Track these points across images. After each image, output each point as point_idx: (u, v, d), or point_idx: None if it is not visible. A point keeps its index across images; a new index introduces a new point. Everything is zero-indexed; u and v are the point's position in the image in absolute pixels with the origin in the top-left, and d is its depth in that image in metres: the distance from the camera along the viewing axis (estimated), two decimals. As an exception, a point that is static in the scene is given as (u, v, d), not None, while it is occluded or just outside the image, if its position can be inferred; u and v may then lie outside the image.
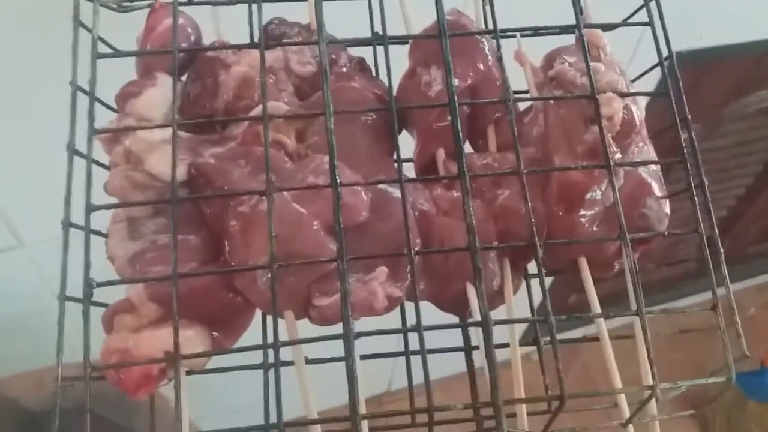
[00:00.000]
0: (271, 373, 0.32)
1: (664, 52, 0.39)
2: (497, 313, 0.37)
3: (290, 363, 0.34)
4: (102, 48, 0.36)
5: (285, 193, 0.34)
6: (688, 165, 0.37)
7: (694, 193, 0.36)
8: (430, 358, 0.31)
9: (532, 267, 0.38)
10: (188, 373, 0.33)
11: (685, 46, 1.06)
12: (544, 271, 0.34)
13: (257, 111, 0.35)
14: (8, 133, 0.69)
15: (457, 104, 0.34)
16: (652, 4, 0.40)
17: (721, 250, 0.36)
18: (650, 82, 0.43)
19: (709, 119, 1.32)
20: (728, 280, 0.36)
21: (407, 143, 0.41)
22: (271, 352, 0.31)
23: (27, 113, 0.67)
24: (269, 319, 0.35)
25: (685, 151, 0.37)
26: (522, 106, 0.41)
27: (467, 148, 0.41)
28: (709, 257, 0.36)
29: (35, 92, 0.64)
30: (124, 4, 0.38)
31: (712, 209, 0.37)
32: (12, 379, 0.81)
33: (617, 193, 0.35)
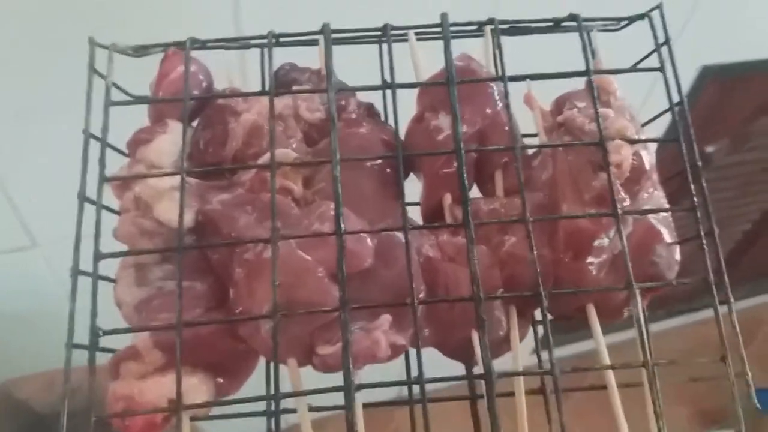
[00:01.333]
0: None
1: (675, 98, 0.38)
2: (504, 359, 0.37)
3: (293, 411, 0.34)
4: (115, 93, 0.37)
5: (291, 240, 0.34)
6: (698, 213, 0.36)
7: (704, 242, 0.36)
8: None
9: (538, 312, 0.38)
10: (192, 419, 0.34)
11: (715, 60, 1.06)
12: (549, 319, 0.34)
13: (265, 158, 0.36)
14: (22, 132, 0.70)
15: (463, 152, 0.35)
16: (663, 49, 0.39)
17: (732, 300, 0.36)
18: (663, 125, 0.42)
19: (736, 133, 1.32)
20: (738, 329, 0.35)
21: (415, 186, 0.41)
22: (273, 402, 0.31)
23: (41, 111, 0.68)
24: (273, 366, 0.35)
25: (695, 199, 0.36)
26: (531, 150, 0.41)
27: (475, 192, 0.41)
28: (717, 306, 0.35)
29: (50, 90, 0.65)
30: (139, 50, 0.39)
31: (722, 256, 0.36)
32: (22, 380, 0.81)
33: (625, 242, 0.34)
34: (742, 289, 1.81)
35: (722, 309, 0.35)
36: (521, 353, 0.37)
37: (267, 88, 0.37)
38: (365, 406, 0.35)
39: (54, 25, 0.62)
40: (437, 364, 0.38)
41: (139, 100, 0.37)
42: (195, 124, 0.39)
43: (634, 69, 0.40)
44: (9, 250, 0.83)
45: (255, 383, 0.37)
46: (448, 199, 0.39)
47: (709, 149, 1.31)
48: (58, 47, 0.59)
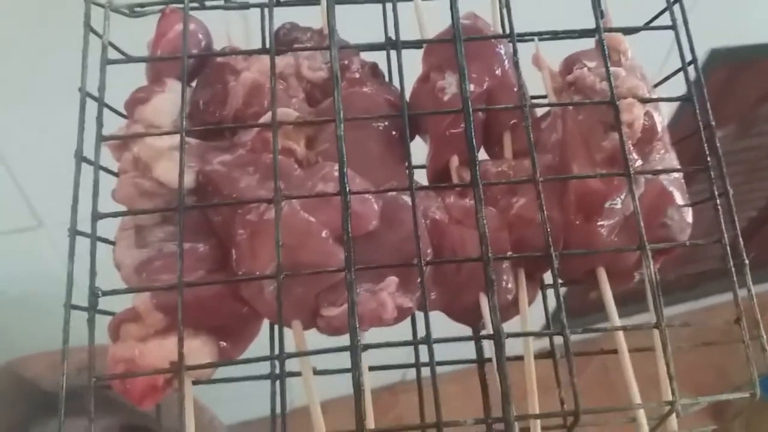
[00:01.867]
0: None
1: (688, 57, 0.37)
2: (512, 324, 0.36)
3: (298, 374, 0.33)
4: (112, 53, 0.36)
5: (294, 201, 0.33)
6: (712, 173, 0.35)
7: (718, 202, 0.35)
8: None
9: (548, 277, 0.37)
10: (194, 383, 0.33)
11: (723, 43, 1.04)
12: (560, 282, 0.33)
13: (266, 118, 0.35)
14: (28, 114, 0.69)
15: (471, 110, 0.34)
16: (676, 8, 0.38)
17: (746, 261, 0.35)
18: (679, 88, 0.41)
19: (744, 118, 1.30)
20: (753, 292, 0.35)
21: (421, 150, 0.40)
22: (278, 362, 0.31)
23: (46, 94, 0.67)
24: (277, 329, 0.34)
25: (708, 158, 0.35)
26: (539, 111, 0.40)
27: (482, 155, 0.40)
28: (732, 268, 0.34)
29: (55, 73, 0.64)
30: (136, 9, 0.38)
31: (736, 218, 0.35)
32: (29, 359, 0.81)
33: (637, 202, 0.33)
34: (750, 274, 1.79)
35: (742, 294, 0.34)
36: (530, 317, 0.36)
37: (268, 46, 0.35)
38: (371, 368, 0.34)
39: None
40: (444, 333, 0.37)
41: (136, 58, 0.36)
42: (194, 84, 0.38)
43: (645, 27, 0.39)
44: (14, 231, 0.82)
45: (259, 349, 0.36)
46: (455, 161, 0.38)
47: (718, 134, 1.30)
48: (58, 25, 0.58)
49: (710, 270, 1.59)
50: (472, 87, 0.38)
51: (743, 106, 1.27)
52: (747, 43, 1.07)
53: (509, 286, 0.36)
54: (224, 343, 0.34)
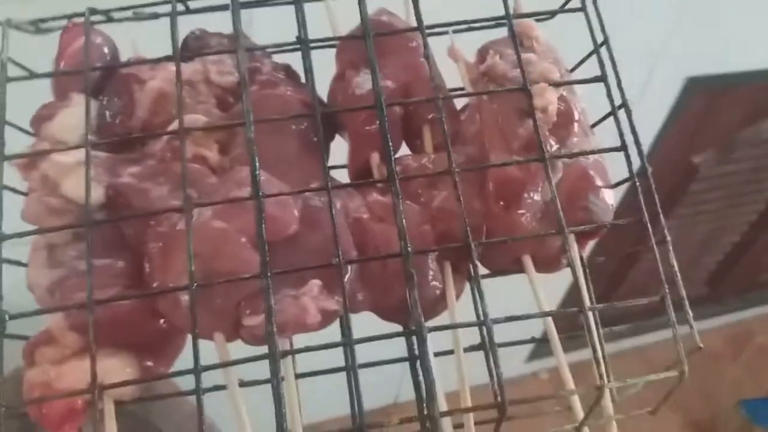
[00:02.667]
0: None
1: (600, 38, 0.37)
2: (442, 319, 0.36)
3: (223, 387, 0.32)
4: (15, 71, 0.35)
5: (206, 208, 0.32)
6: (628, 153, 0.35)
7: (637, 182, 0.35)
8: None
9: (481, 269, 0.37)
10: (117, 403, 0.32)
11: (702, 71, 1.08)
12: (480, 272, 0.33)
13: (174, 125, 0.34)
14: None
15: (384, 105, 0.33)
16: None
17: (669, 239, 0.35)
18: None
19: (723, 144, 1.33)
20: (676, 268, 0.35)
21: (345, 149, 0.40)
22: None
23: None
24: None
25: (624, 138, 0.35)
26: (459, 104, 0.40)
27: (405, 149, 0.39)
28: (655, 246, 0.34)
29: None
30: (39, 25, 0.37)
31: (656, 195, 0.35)
32: None
33: (554, 187, 0.33)
34: (732, 301, 1.80)
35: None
36: (458, 310, 0.36)
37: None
38: (299, 376, 0.33)
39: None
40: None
41: (37, 74, 0.35)
42: (101, 97, 0.37)
43: (557, 11, 0.39)
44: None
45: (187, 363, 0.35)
46: (375, 158, 0.38)
47: (696, 160, 1.33)
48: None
49: (652, 307, 1.61)
50: (388, 83, 0.37)
51: (722, 133, 1.31)
52: (723, 72, 1.11)
53: (436, 280, 0.36)
54: (149, 362, 0.33)
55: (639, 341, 1.64)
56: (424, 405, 0.37)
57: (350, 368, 0.37)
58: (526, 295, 0.36)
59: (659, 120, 1.11)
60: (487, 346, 0.36)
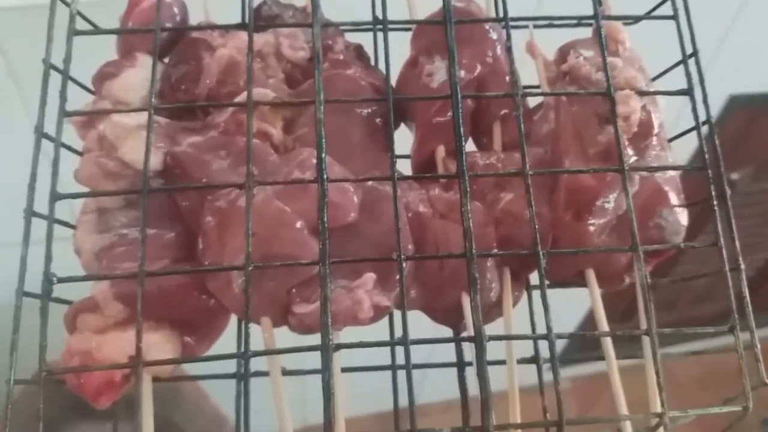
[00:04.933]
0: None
1: (689, 49, 0.35)
2: (495, 327, 0.34)
3: (266, 373, 0.31)
4: (81, 25, 0.34)
5: (267, 188, 0.31)
6: (708, 172, 0.33)
7: (715, 203, 0.33)
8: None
9: (535, 278, 0.36)
10: (154, 380, 0.31)
11: (743, 90, 1.10)
12: (547, 283, 0.31)
13: (242, 97, 0.32)
14: None
15: (460, 97, 0.32)
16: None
17: (742, 266, 0.33)
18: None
19: (761, 161, 1.34)
20: (748, 297, 0.33)
21: (406, 139, 0.38)
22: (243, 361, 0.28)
23: None
24: (244, 324, 0.32)
25: (706, 156, 0.34)
26: (531, 102, 0.38)
27: (470, 146, 0.38)
28: (728, 272, 0.33)
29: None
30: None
31: (733, 220, 0.33)
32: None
33: (630, 200, 0.32)
34: (764, 316, 1.79)
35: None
36: (515, 320, 0.34)
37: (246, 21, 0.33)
38: (344, 370, 0.32)
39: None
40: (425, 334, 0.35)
41: (105, 30, 0.34)
42: (167, 60, 0.35)
43: (645, 16, 0.37)
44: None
45: (225, 347, 0.34)
46: (441, 151, 0.36)
47: (734, 176, 1.35)
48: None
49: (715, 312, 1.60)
50: (462, 73, 0.36)
51: (761, 150, 1.32)
52: (766, 91, 1.13)
53: (493, 285, 0.34)
54: (189, 339, 0.32)
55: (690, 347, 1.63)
56: (467, 413, 0.35)
57: (395, 367, 0.36)
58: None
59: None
60: (540, 361, 0.34)
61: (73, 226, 0.33)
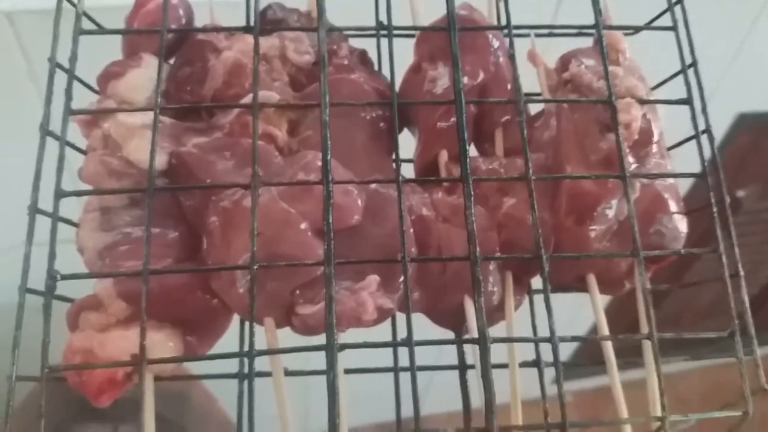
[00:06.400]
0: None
1: (688, 60, 0.36)
2: (496, 331, 0.34)
3: (268, 374, 0.31)
4: (87, 25, 0.34)
5: (272, 189, 0.31)
6: (707, 180, 0.34)
7: (715, 210, 0.33)
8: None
9: (536, 282, 0.36)
10: (156, 378, 0.31)
11: (751, 108, 1.11)
12: (549, 287, 0.31)
13: (247, 99, 0.33)
14: None
15: (464, 102, 0.32)
16: (677, 8, 0.37)
17: (741, 273, 0.33)
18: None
19: (767, 180, 1.35)
20: (747, 304, 0.33)
21: (409, 144, 0.38)
22: (246, 361, 0.28)
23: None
24: (247, 325, 0.32)
25: (705, 164, 0.34)
26: (533, 110, 0.39)
27: (472, 151, 0.38)
28: (728, 279, 0.33)
29: None
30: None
31: (732, 223, 0.34)
32: None
33: (632, 206, 0.32)
34: (766, 334, 1.80)
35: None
36: (516, 325, 0.34)
37: (252, 24, 0.33)
38: (347, 371, 0.32)
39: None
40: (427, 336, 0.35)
41: (111, 30, 0.34)
42: (172, 61, 0.35)
43: (645, 27, 0.38)
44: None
45: (226, 347, 0.34)
46: (444, 156, 0.36)
47: (740, 194, 1.35)
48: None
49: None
50: (465, 79, 0.36)
51: (767, 168, 1.33)
52: None
53: (495, 289, 0.34)
54: (190, 338, 0.32)
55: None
56: (469, 416, 0.35)
57: (398, 369, 0.36)
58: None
59: (706, 152, 1.14)
60: (541, 364, 0.34)
61: (75, 224, 0.33)
